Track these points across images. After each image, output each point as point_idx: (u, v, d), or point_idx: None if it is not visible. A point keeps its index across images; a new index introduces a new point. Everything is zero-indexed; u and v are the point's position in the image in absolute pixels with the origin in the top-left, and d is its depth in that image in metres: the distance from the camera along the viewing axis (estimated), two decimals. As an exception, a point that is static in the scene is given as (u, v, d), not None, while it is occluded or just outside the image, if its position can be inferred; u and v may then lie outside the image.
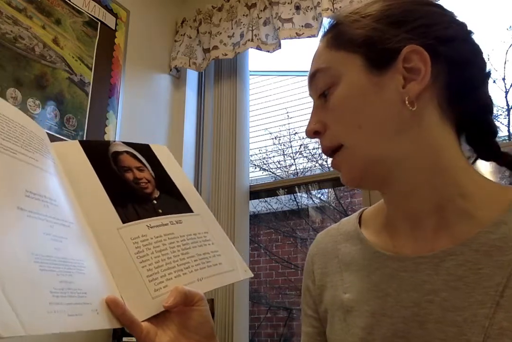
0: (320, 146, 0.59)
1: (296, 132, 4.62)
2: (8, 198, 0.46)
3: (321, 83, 0.57)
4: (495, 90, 3.43)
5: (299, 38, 1.85)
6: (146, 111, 2.05)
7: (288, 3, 1.90)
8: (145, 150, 0.70)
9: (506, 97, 3.51)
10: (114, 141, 0.68)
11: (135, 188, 0.64)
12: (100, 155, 0.65)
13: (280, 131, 4.73)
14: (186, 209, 0.66)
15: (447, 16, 0.56)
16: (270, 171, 4.66)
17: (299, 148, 4.60)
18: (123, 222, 0.59)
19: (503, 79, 3.45)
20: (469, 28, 0.57)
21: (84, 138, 1.71)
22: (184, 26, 2.24)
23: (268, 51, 1.94)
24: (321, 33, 0.61)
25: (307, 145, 4.52)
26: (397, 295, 0.54)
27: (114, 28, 1.94)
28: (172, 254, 0.58)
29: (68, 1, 1.75)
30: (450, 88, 0.54)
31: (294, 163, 4.63)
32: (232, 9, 2.09)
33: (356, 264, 0.60)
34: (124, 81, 1.94)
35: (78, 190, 0.59)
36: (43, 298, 0.43)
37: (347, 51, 0.55)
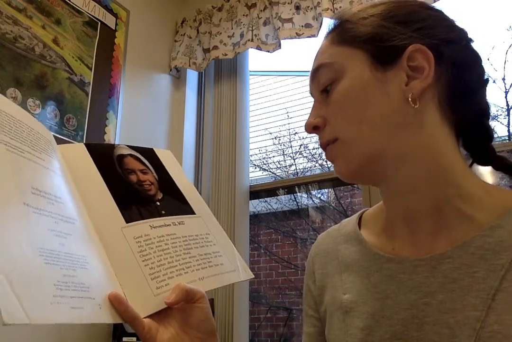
0: (318, 142, 0.59)
1: (296, 132, 4.62)
2: (15, 194, 0.47)
3: (323, 78, 0.57)
4: (495, 90, 3.43)
5: (299, 38, 1.85)
6: (146, 111, 2.05)
7: (288, 3, 1.90)
8: (149, 153, 0.72)
9: (506, 97, 3.51)
10: (119, 144, 0.70)
11: (138, 190, 0.65)
12: (105, 157, 0.67)
13: (280, 131, 4.73)
14: (188, 211, 0.68)
15: (449, 21, 0.58)
16: (270, 171, 4.66)
17: (299, 148, 4.60)
18: (127, 222, 0.60)
19: (503, 79, 3.45)
20: (469, 35, 0.58)
21: (84, 138, 1.71)
22: (184, 26, 2.24)
23: (268, 51, 1.94)
24: (324, 33, 0.61)
25: (307, 145, 4.52)
26: (396, 297, 0.54)
27: (114, 28, 1.94)
28: (174, 253, 0.59)
29: (68, 1, 1.75)
30: (451, 89, 0.55)
31: (294, 163, 4.63)
32: (232, 9, 2.09)
33: (355, 265, 0.61)
34: (124, 81, 1.94)
35: (83, 190, 0.60)
36: (47, 290, 0.44)
37: (352, 47, 0.56)
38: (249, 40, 1.98)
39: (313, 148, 4.43)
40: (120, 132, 1.86)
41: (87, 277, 0.50)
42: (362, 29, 0.56)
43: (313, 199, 4.26)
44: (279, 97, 4.82)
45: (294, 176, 4.44)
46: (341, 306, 0.59)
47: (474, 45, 0.58)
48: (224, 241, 0.67)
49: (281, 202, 4.30)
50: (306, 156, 4.58)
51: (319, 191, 4.09)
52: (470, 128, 0.58)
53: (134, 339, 1.54)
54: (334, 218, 4.13)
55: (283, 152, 4.68)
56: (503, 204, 0.53)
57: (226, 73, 2.19)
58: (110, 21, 1.93)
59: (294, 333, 4.00)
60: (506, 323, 0.46)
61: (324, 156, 4.37)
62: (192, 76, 2.25)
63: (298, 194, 4.09)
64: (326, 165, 4.29)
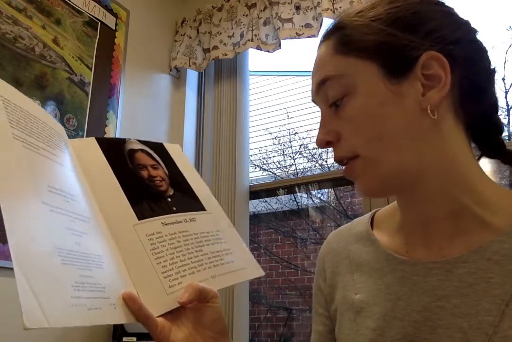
0: (332, 153, 0.58)
1: (296, 132, 4.62)
2: (33, 193, 0.47)
3: (332, 92, 0.54)
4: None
5: (299, 38, 1.85)
6: (146, 111, 2.05)
7: (288, 3, 1.90)
8: (159, 148, 0.71)
9: (506, 97, 3.51)
10: (130, 139, 0.69)
11: (150, 185, 0.65)
12: (116, 152, 0.66)
13: (280, 131, 4.73)
14: (199, 207, 0.67)
15: (453, 15, 0.55)
16: (270, 171, 4.65)
17: (299, 148, 4.59)
18: (139, 219, 0.59)
19: (503, 79, 3.45)
20: (473, 26, 0.56)
21: (84, 138, 1.71)
22: (184, 26, 2.24)
23: (268, 51, 1.94)
24: (321, 35, 0.59)
25: (307, 145, 4.52)
26: (408, 299, 0.54)
27: (114, 28, 1.94)
28: (186, 251, 0.59)
29: (68, 1, 1.75)
30: (462, 90, 0.53)
31: (294, 163, 4.63)
32: (232, 9, 2.09)
33: (368, 266, 0.60)
34: (124, 81, 1.94)
35: (94, 186, 0.60)
36: (65, 292, 0.44)
37: (360, 58, 0.53)
38: (249, 40, 1.98)
39: (313, 148, 4.43)
40: (120, 133, 1.86)
41: (103, 277, 0.50)
42: (367, 38, 0.52)
43: (313, 199, 4.26)
44: (279, 97, 4.82)
45: (294, 176, 4.44)
46: (352, 305, 0.59)
47: (479, 36, 0.55)
48: (234, 238, 0.67)
49: (281, 202, 4.30)
50: (306, 156, 4.58)
51: (319, 191, 4.09)
52: (481, 123, 0.57)
53: (134, 339, 1.54)
54: (334, 218, 4.13)
55: (283, 152, 4.68)
56: None
57: (226, 73, 2.19)
58: (110, 21, 1.93)
59: (294, 333, 4.00)
60: None
61: (324, 157, 4.37)
62: (192, 76, 2.25)
63: (298, 194, 4.09)
64: (326, 166, 4.29)
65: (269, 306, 4.15)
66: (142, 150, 0.68)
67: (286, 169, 4.65)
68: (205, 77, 2.27)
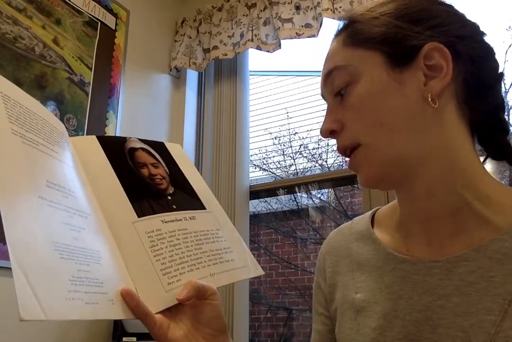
0: (331, 153, 0.58)
1: (296, 132, 4.62)
2: (30, 187, 0.47)
3: (337, 81, 0.56)
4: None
5: (299, 38, 1.84)
6: (146, 111, 2.05)
7: (288, 3, 1.89)
8: (159, 147, 0.71)
9: (506, 97, 3.50)
10: (130, 137, 0.69)
11: (150, 184, 0.65)
12: (117, 151, 0.66)
13: (280, 131, 4.73)
14: (199, 205, 0.67)
15: (461, 16, 0.57)
16: (270, 171, 4.65)
17: (299, 148, 4.59)
18: (138, 216, 0.60)
19: (503, 79, 3.45)
20: (481, 29, 0.57)
21: (84, 138, 1.71)
22: (184, 26, 2.24)
23: (268, 51, 1.94)
24: (329, 33, 0.61)
25: (307, 145, 4.52)
26: (409, 298, 0.54)
27: (114, 28, 1.94)
28: (185, 248, 0.59)
29: (68, 1, 1.75)
30: (468, 86, 0.54)
31: (294, 163, 4.63)
32: (232, 9, 2.09)
33: (368, 265, 0.60)
34: (124, 81, 1.94)
35: (95, 184, 0.60)
36: (63, 285, 0.44)
37: (366, 49, 0.55)
38: (249, 40, 1.98)
39: (313, 149, 4.43)
40: (120, 133, 1.86)
41: (101, 272, 0.50)
42: (375, 30, 0.54)
43: (313, 199, 4.26)
44: (279, 97, 4.82)
45: (294, 176, 4.44)
46: (353, 305, 0.59)
47: (487, 38, 0.57)
48: (234, 237, 0.67)
49: (281, 202, 4.30)
50: (306, 156, 4.57)
51: (319, 191, 4.09)
52: (486, 123, 0.57)
53: (134, 339, 1.54)
54: (334, 218, 4.13)
55: (283, 152, 4.68)
56: None
57: (226, 73, 2.19)
58: (110, 21, 1.93)
59: (294, 333, 4.00)
60: None
61: (324, 156, 4.37)
62: (192, 76, 2.25)
63: (298, 194, 4.09)
64: (326, 166, 4.29)
65: (269, 306, 4.15)
66: (142, 149, 0.69)
67: (286, 170, 4.65)
68: (205, 77, 2.27)
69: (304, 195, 4.20)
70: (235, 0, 2.09)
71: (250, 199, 2.04)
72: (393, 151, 0.53)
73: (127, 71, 1.97)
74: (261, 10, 1.99)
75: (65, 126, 1.62)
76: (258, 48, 1.96)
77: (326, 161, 4.33)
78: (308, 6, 1.85)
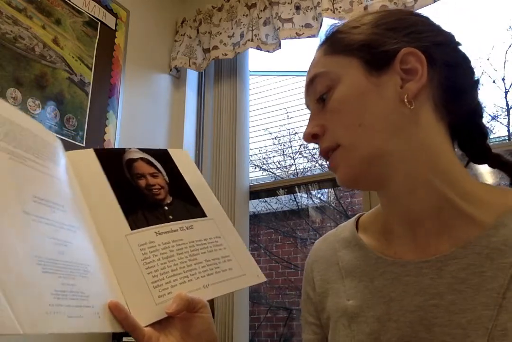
0: (319, 151, 0.60)
1: (296, 132, 4.62)
2: (15, 203, 0.47)
3: (319, 87, 0.58)
4: (495, 90, 3.43)
5: (299, 38, 1.84)
6: (146, 111, 2.05)
7: (288, 3, 1.89)
8: (162, 155, 0.71)
9: (506, 97, 3.50)
10: (130, 148, 0.69)
11: (147, 195, 0.65)
12: (114, 163, 0.66)
13: (280, 131, 4.73)
14: (199, 213, 0.67)
15: (436, 26, 0.59)
16: (270, 171, 4.66)
17: (299, 148, 4.60)
18: (132, 229, 0.60)
19: (503, 79, 3.45)
20: (457, 39, 0.59)
21: (84, 138, 1.71)
22: (184, 26, 2.24)
23: (268, 51, 1.94)
24: (318, 43, 0.63)
25: (307, 146, 4.52)
26: (401, 300, 0.54)
27: (114, 28, 1.94)
28: (179, 260, 0.59)
29: (68, 1, 1.75)
30: (444, 90, 0.56)
31: (294, 163, 4.63)
32: (232, 9, 2.09)
33: (358, 270, 0.60)
34: (124, 81, 1.94)
35: (89, 198, 0.60)
36: (43, 299, 0.44)
37: (345, 55, 0.57)
38: (249, 40, 1.98)
39: (313, 148, 4.43)
40: (120, 132, 1.86)
41: (87, 286, 0.50)
42: (353, 37, 0.57)
43: (313, 199, 4.26)
44: (279, 97, 4.82)
45: (294, 176, 4.44)
46: (345, 312, 0.59)
47: (462, 48, 0.59)
48: (236, 243, 0.66)
49: (281, 202, 4.30)
50: (306, 157, 4.58)
51: (319, 191, 4.09)
52: (465, 128, 0.59)
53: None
54: (334, 218, 4.13)
55: (283, 152, 4.68)
56: (503, 202, 0.53)
57: (226, 73, 2.19)
58: (110, 21, 1.93)
59: (294, 333, 4.00)
60: None
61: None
62: (192, 76, 2.25)
63: (298, 194, 4.09)
64: (326, 166, 4.28)
65: (269, 306, 4.15)
66: (142, 159, 0.68)
67: (286, 170, 4.65)
68: (205, 77, 2.27)
69: (304, 195, 4.20)
70: (235, 0, 2.09)
71: (250, 199, 2.04)
72: (371, 149, 0.54)
73: (127, 71, 1.97)
74: (261, 10, 1.99)
75: (65, 127, 1.63)
76: (258, 48, 1.96)
77: (326, 161, 4.32)
78: (308, 6, 1.85)
